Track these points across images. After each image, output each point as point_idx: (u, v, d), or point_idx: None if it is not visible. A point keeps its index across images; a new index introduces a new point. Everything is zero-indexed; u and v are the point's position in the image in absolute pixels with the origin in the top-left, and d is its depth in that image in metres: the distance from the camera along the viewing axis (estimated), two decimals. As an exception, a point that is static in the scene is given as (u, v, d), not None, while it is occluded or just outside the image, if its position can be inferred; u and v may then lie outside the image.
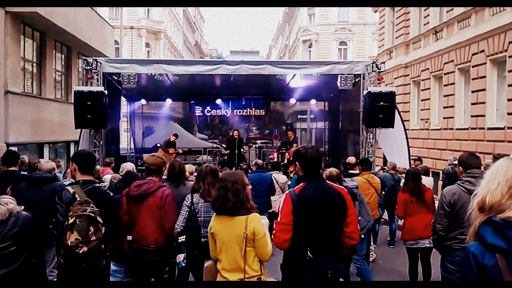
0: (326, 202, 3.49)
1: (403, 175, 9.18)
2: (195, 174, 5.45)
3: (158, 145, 15.89)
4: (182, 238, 4.50)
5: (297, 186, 3.60)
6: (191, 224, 4.43)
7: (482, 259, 1.90)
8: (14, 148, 11.73)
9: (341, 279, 3.39)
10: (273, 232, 3.50)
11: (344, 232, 3.53)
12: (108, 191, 4.53)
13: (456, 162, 6.47)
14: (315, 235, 3.44)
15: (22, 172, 6.62)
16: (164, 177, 5.17)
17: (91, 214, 3.66)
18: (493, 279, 1.87)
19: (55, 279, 5.58)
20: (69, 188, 3.92)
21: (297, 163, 3.67)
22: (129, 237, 4.57)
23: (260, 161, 10.09)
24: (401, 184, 9.35)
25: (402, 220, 7.04)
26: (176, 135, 15.84)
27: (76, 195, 3.81)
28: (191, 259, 4.47)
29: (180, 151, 15.83)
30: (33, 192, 5.29)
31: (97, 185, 4.25)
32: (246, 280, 3.45)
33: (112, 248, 3.95)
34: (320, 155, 3.73)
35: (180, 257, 4.49)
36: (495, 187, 1.99)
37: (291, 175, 11.82)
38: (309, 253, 3.40)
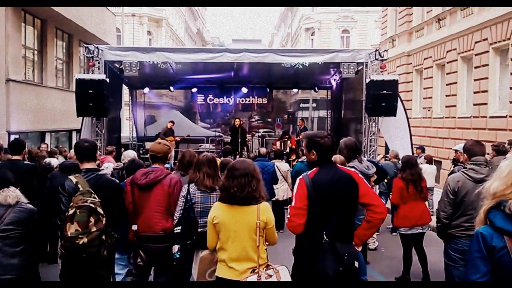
0: (340, 186, 3.53)
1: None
2: None
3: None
4: (178, 229, 4.39)
5: (310, 171, 3.62)
6: (188, 214, 4.33)
7: (490, 240, 1.97)
8: (16, 137, 11.76)
9: (356, 262, 3.44)
10: (287, 216, 3.53)
11: (366, 205, 3.59)
12: (113, 178, 4.48)
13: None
14: (330, 219, 3.47)
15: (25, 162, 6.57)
16: (167, 165, 5.13)
17: (91, 205, 3.64)
18: (501, 260, 1.94)
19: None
20: (72, 177, 3.91)
21: (313, 151, 3.65)
22: (134, 227, 4.49)
23: (263, 150, 10.08)
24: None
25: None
26: (172, 122, 15.80)
27: (79, 185, 3.80)
28: (186, 250, 4.35)
29: (178, 138, 15.81)
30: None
31: (101, 173, 4.25)
32: (259, 268, 3.43)
33: (117, 238, 3.93)
34: (334, 142, 3.77)
35: (175, 248, 4.39)
36: (504, 175, 2.04)
37: (293, 163, 11.84)
38: (325, 237, 3.42)
